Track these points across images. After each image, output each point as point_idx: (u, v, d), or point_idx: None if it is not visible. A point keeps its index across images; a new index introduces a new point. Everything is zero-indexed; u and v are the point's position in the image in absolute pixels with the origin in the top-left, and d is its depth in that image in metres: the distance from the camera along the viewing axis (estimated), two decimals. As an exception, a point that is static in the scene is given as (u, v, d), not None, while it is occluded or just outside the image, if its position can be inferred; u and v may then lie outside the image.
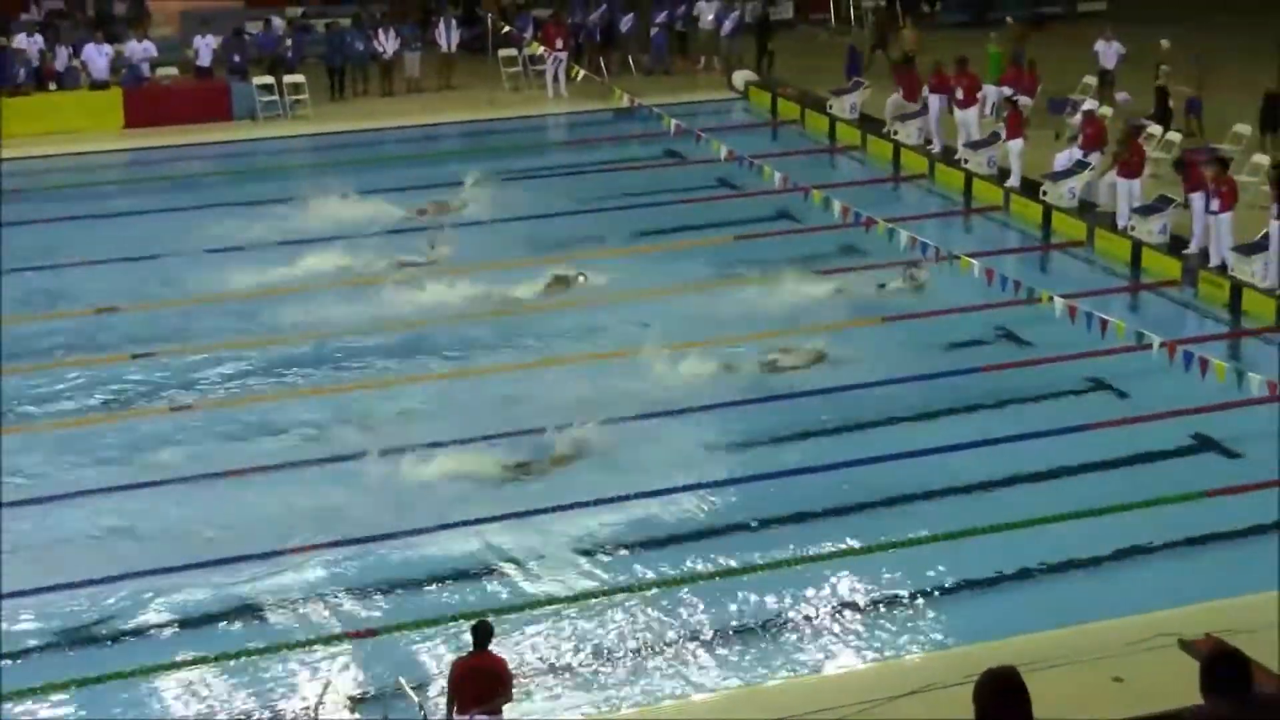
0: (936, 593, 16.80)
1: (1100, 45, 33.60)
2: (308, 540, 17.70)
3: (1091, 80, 33.87)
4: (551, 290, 25.11)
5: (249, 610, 16.62)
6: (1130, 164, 26.90)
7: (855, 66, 35.59)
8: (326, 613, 16.61)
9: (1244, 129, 29.96)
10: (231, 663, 15.63)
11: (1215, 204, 24.90)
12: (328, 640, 16.01)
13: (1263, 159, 28.13)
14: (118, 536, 18.12)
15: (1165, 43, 32.82)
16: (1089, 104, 31.79)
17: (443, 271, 25.82)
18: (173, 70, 36.50)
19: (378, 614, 16.59)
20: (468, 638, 13.73)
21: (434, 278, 25.47)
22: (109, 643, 16.10)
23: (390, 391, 21.93)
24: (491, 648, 13.53)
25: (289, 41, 36.69)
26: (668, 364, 21.90)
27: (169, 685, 15.37)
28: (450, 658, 14.58)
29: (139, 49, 35.81)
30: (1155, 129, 30.51)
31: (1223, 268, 24.81)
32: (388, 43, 36.85)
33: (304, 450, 20.07)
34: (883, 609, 16.57)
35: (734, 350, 22.72)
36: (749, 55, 38.08)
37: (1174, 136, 30.26)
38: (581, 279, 25.35)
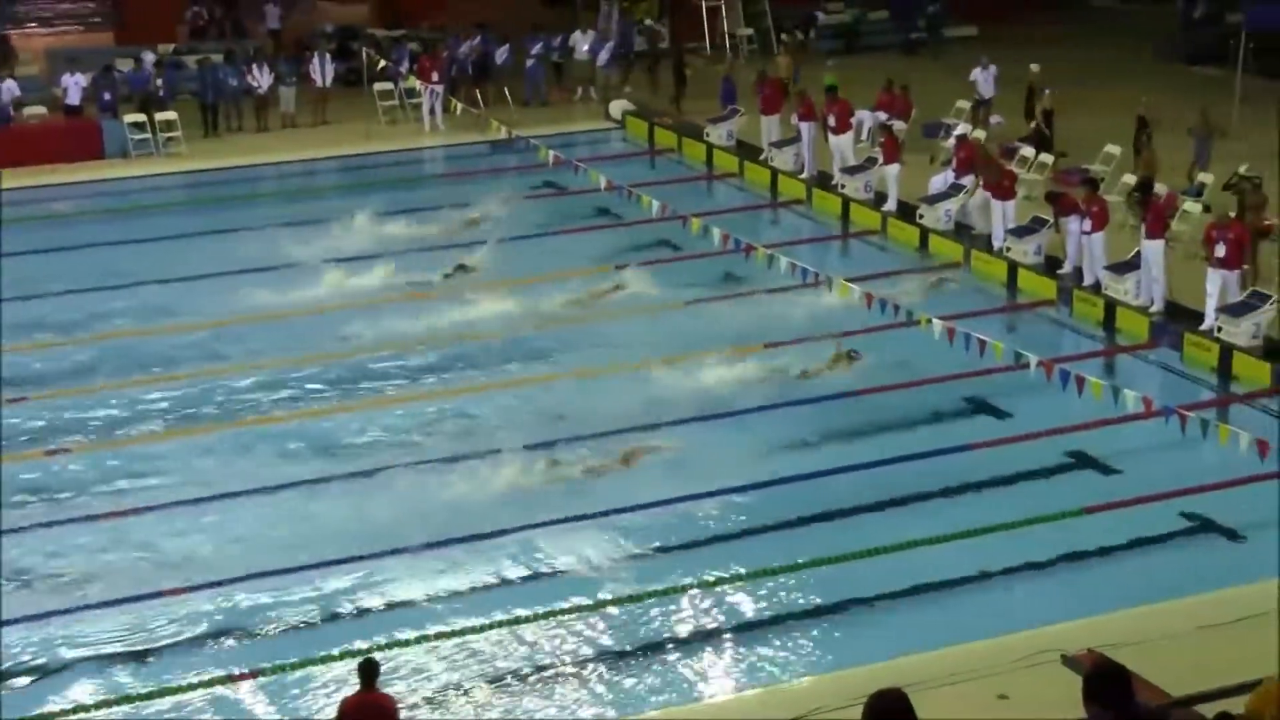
0: (821, 616, 16.82)
1: (978, 73, 34.02)
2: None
3: (964, 104, 34.29)
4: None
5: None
6: (1003, 186, 27.23)
7: (731, 95, 35.79)
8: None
9: (1114, 149, 30.42)
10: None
11: (1087, 224, 25.25)
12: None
13: (1132, 179, 28.57)
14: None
15: (1035, 67, 33.31)
16: (962, 128, 32.18)
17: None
18: (41, 109, 35.96)
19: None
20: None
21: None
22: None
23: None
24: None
25: (160, 79, 36.25)
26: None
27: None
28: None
29: (3, 88, 35.24)
30: (1028, 151, 30.93)
31: (1096, 287, 25.16)
32: (262, 78, 36.56)
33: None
34: (767, 633, 16.56)
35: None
36: (639, 85, 38.19)
37: (1047, 159, 30.67)
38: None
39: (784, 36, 41.76)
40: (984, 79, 33.90)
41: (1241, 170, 27.71)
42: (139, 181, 33.56)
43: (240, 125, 36.67)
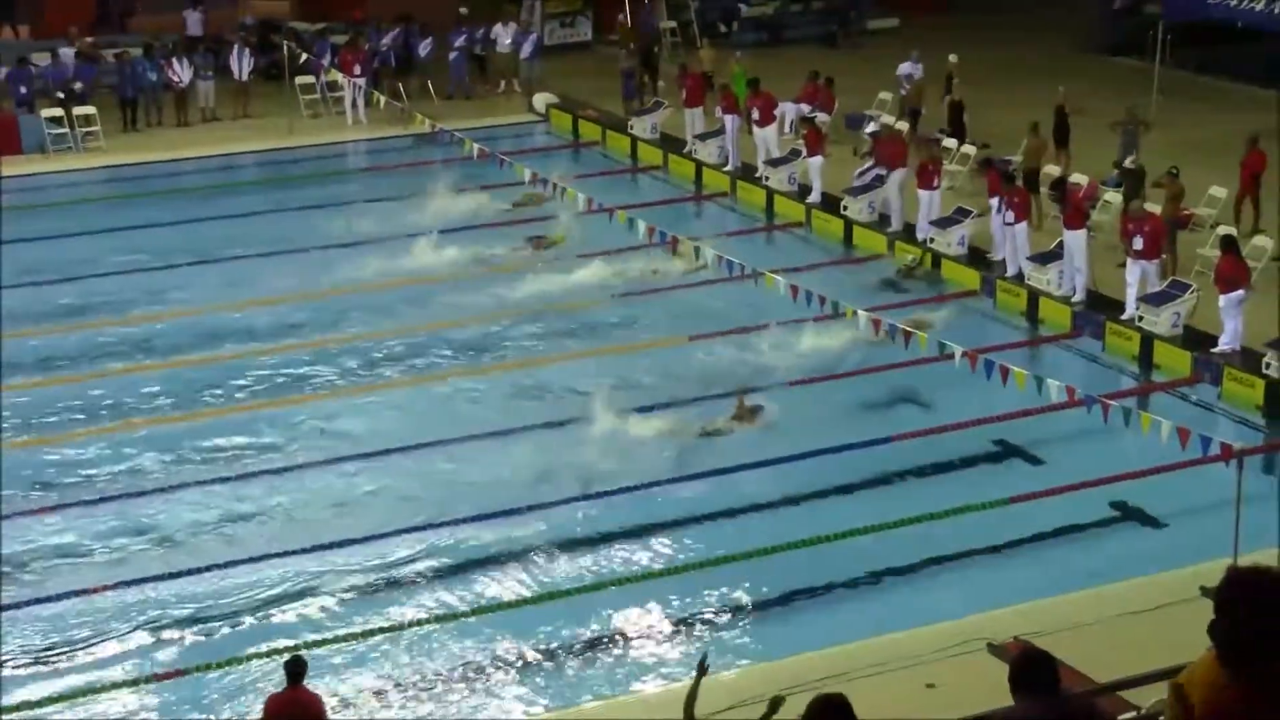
0: (747, 609, 16.86)
1: (905, 67, 34.12)
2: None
3: (887, 96, 34.42)
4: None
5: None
6: (927, 176, 27.37)
7: (630, 89, 35.81)
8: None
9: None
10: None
11: (1009, 215, 25.42)
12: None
13: (1054, 170, 28.77)
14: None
15: (953, 58, 33.49)
16: (885, 119, 32.29)
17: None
18: (-45, 104, 35.50)
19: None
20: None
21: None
22: None
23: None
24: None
25: (77, 73, 35.82)
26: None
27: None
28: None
29: (-85, 83, 34.81)
30: (950, 142, 31.09)
31: (1020, 277, 25.32)
32: (181, 72, 36.20)
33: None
34: (695, 626, 16.58)
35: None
36: (551, 78, 38.09)
37: (969, 149, 30.84)
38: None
39: (699, 34, 41.73)
40: (911, 72, 33.99)
41: (1127, 163, 27.88)
42: (58, 177, 33.15)
43: (160, 120, 36.29)
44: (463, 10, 39.26)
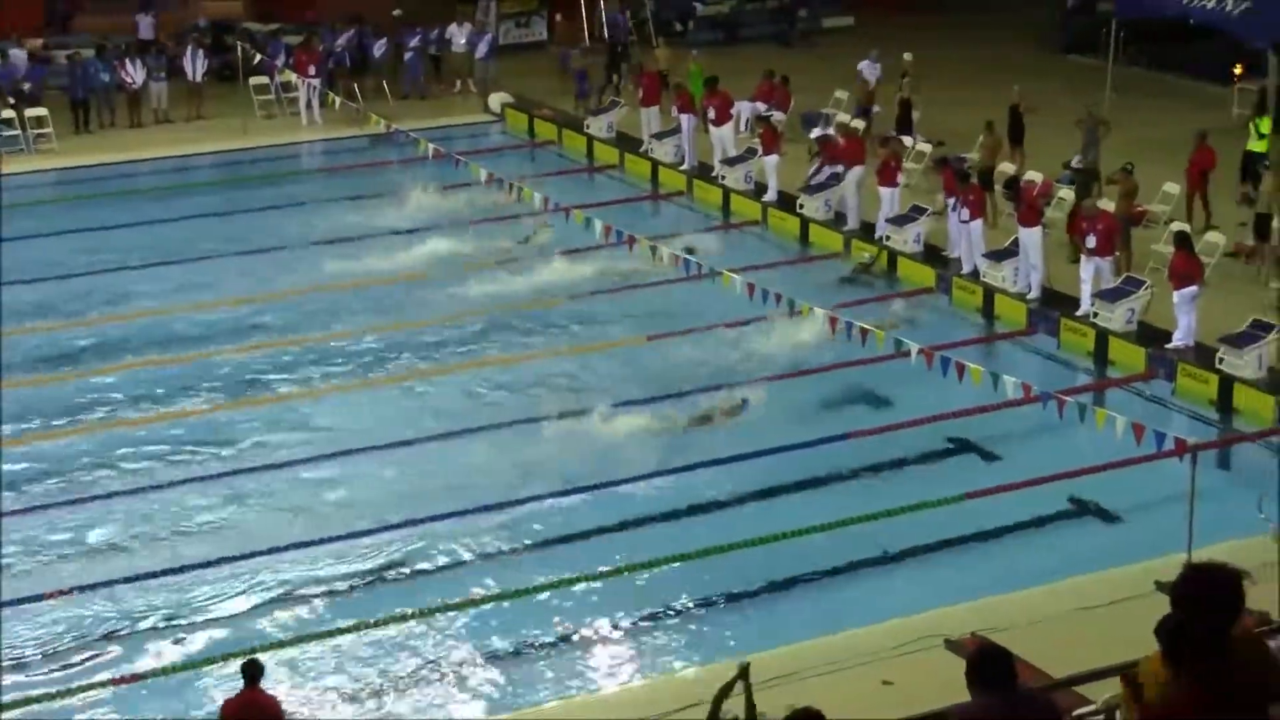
0: (705, 606, 16.86)
1: (865, 65, 34.19)
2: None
3: (843, 94, 34.50)
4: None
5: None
6: (889, 173, 27.43)
7: (584, 89, 35.79)
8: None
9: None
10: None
11: (965, 213, 25.51)
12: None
13: (1009, 168, 28.87)
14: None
15: (908, 56, 33.59)
16: (841, 117, 32.34)
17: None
18: (-93, 106, 35.20)
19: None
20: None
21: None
22: None
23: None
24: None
25: (27, 74, 35.57)
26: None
27: None
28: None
29: None
30: (907, 140, 31.17)
31: (975, 274, 25.40)
32: (134, 73, 35.99)
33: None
34: (653, 625, 16.57)
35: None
36: (506, 78, 38.04)
37: (925, 147, 30.93)
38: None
39: (654, 33, 41.71)
40: (870, 70, 34.08)
41: (1075, 161, 27.97)
42: (10, 180, 32.85)
43: (113, 121, 36.08)
44: (396, 12, 39.11)
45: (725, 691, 12.37)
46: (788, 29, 43.87)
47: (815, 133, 31.35)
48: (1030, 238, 24.51)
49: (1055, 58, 39.23)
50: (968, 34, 41.61)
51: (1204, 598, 7.01)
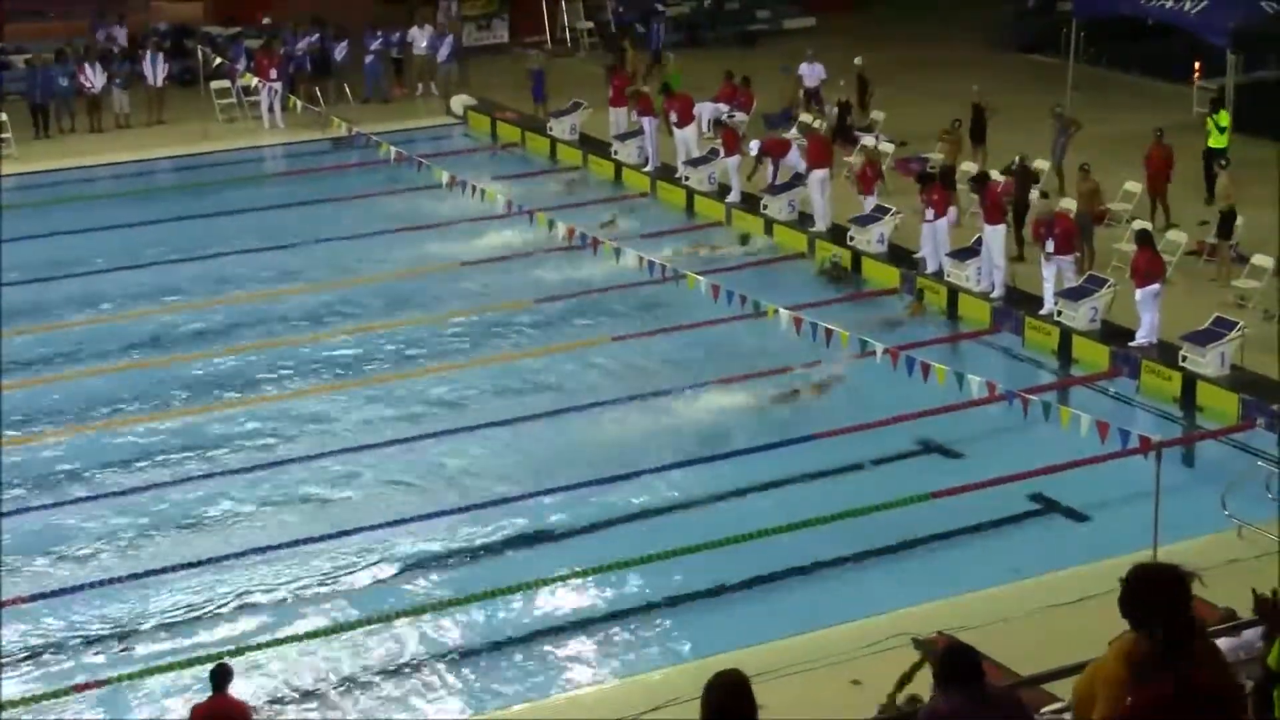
0: (673, 607, 16.87)
1: (804, 67, 34.26)
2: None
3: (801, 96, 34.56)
4: None
5: None
6: (868, 181, 27.46)
7: (540, 90, 35.75)
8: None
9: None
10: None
11: (930, 213, 25.57)
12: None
13: (971, 167, 28.93)
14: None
15: (858, 60, 33.69)
16: (804, 118, 32.37)
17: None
18: None
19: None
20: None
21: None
22: None
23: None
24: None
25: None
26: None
27: None
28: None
29: None
30: (869, 140, 31.23)
31: (940, 274, 25.46)
32: (94, 78, 35.78)
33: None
34: (622, 626, 16.57)
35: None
36: (468, 80, 37.96)
37: (887, 147, 30.97)
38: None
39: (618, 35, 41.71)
40: (810, 72, 34.14)
41: (1015, 161, 28.03)
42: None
43: (73, 126, 35.88)
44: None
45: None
46: (760, 27, 43.78)
47: (754, 147, 31.08)
48: (993, 236, 24.58)
49: (1014, 56, 39.33)
50: (925, 32, 41.65)
51: (1148, 599, 7.08)
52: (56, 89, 35.64)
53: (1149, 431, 17.92)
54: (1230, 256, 24.99)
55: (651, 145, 31.91)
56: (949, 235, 25.60)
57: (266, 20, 39.67)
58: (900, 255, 26.46)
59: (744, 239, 28.05)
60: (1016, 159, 27.33)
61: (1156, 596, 7.09)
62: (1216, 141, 28.33)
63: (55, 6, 41.16)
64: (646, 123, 31.93)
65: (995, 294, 24.57)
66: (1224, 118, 28.45)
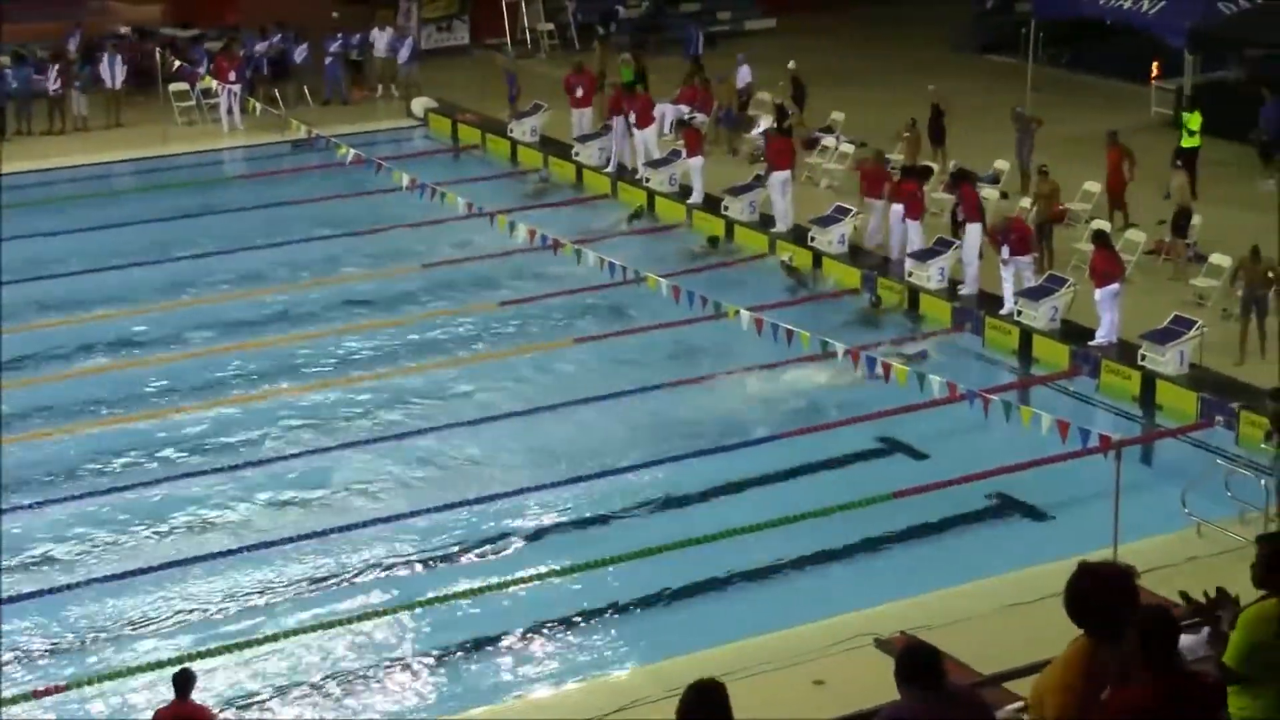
0: (635, 609, 16.88)
1: (742, 71, 34.31)
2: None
3: (766, 97, 34.55)
4: None
5: None
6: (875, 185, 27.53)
7: (513, 93, 35.71)
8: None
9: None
10: None
11: (899, 210, 25.73)
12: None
13: (933, 167, 29.01)
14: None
15: (792, 64, 33.75)
16: (764, 120, 32.41)
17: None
18: None
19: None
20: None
21: None
22: None
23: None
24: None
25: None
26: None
27: None
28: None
29: None
30: (830, 140, 31.28)
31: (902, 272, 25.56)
32: (52, 80, 35.55)
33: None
34: (585, 627, 16.56)
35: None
36: (428, 82, 37.88)
37: (848, 148, 31.04)
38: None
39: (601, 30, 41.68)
40: (740, 73, 34.21)
41: (951, 166, 28.04)
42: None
43: (30, 128, 35.66)
44: (335, 15, 38.93)
45: None
46: (721, 28, 43.78)
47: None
48: (973, 233, 24.59)
49: (972, 57, 39.45)
50: (884, 32, 41.75)
51: (1095, 597, 7.14)
52: (13, 91, 35.43)
53: (1109, 430, 18.03)
54: (1188, 255, 25.12)
55: (616, 145, 31.79)
56: (920, 235, 25.64)
57: (232, 22, 39.49)
58: (859, 254, 26.50)
59: (713, 241, 28.06)
60: (953, 164, 27.53)
61: (1112, 597, 7.14)
62: (1189, 142, 28.23)
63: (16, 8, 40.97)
64: (616, 122, 31.85)
65: (967, 290, 24.55)
66: (1195, 120, 28.32)
